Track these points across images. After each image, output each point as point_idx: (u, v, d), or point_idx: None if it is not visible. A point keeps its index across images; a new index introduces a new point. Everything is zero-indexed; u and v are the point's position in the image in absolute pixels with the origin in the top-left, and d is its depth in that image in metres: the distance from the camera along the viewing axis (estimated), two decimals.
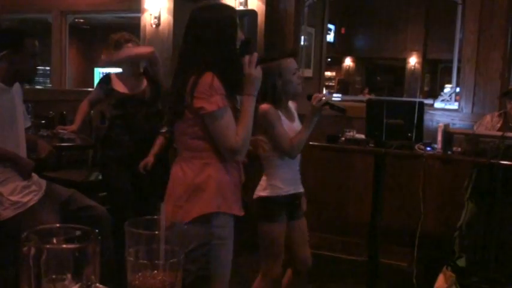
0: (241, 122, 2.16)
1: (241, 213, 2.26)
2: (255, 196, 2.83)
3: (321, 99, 2.72)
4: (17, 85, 2.93)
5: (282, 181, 2.81)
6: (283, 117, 2.79)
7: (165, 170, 2.59)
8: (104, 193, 4.03)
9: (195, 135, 2.13)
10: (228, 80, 2.11)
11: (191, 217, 2.09)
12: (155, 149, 3.61)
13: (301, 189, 2.94)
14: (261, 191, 2.82)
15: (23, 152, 2.91)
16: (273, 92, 2.75)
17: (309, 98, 2.77)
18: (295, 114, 2.94)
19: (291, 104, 2.93)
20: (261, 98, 2.74)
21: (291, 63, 2.82)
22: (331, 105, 2.79)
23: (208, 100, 2.04)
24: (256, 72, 2.20)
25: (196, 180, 2.12)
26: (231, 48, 2.16)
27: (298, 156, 2.89)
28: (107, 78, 3.90)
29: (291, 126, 2.82)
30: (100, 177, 4.38)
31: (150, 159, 3.56)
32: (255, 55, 2.22)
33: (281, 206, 2.81)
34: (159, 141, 3.62)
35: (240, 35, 2.20)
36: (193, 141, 2.14)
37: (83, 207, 2.99)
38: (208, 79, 2.05)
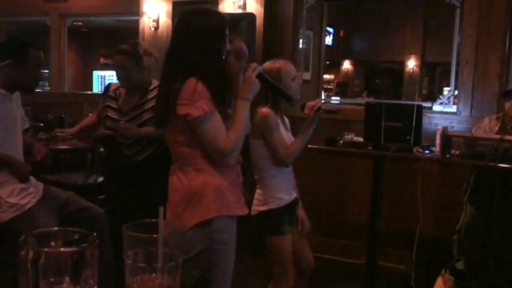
0: (233, 125, 2.13)
1: (245, 211, 2.26)
2: (254, 212, 2.78)
3: (313, 107, 2.70)
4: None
5: (281, 191, 2.80)
6: (280, 125, 2.78)
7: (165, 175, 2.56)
8: (103, 196, 4.02)
9: (185, 142, 2.12)
10: (213, 86, 2.08)
11: (191, 224, 2.08)
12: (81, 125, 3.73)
13: (296, 194, 2.94)
14: (261, 205, 2.78)
15: (20, 156, 2.91)
16: (272, 96, 2.73)
17: (302, 108, 2.76)
18: (289, 126, 2.94)
19: (285, 118, 2.93)
20: (260, 103, 2.75)
21: (291, 68, 2.82)
22: (324, 110, 2.78)
23: (194, 106, 2.02)
24: (256, 80, 2.19)
25: (191, 187, 2.11)
26: (216, 55, 2.14)
27: None
28: (106, 88, 3.88)
29: (286, 135, 2.81)
30: (99, 180, 4.38)
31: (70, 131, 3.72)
32: (258, 66, 2.23)
33: (284, 216, 2.80)
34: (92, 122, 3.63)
35: (228, 46, 2.18)
36: (183, 148, 2.13)
37: (81, 209, 2.99)
38: (192, 85, 2.03)
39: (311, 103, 2.73)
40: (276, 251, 2.77)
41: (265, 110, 2.71)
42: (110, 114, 3.43)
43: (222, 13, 2.31)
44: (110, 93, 3.51)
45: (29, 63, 2.87)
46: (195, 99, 2.02)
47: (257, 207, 2.79)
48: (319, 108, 2.71)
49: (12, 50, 2.89)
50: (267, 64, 2.83)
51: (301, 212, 3.00)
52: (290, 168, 2.88)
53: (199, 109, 2.03)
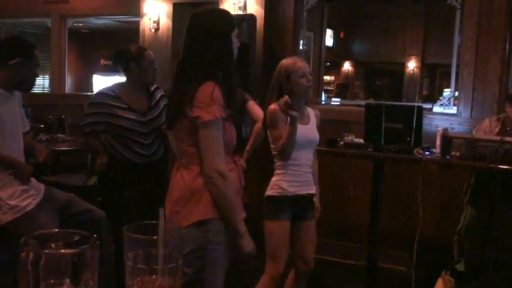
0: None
1: (243, 215, 2.27)
2: (265, 195, 2.93)
3: (281, 104, 2.74)
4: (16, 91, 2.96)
5: (288, 182, 2.88)
6: (283, 122, 2.81)
7: (164, 175, 2.58)
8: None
9: (192, 142, 2.13)
10: (224, 87, 2.11)
11: (188, 222, 2.08)
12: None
13: (312, 191, 2.98)
14: (268, 190, 2.92)
15: (21, 157, 2.91)
16: (280, 93, 2.83)
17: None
18: (312, 119, 2.99)
19: (310, 110, 3.00)
20: (272, 99, 2.87)
21: (299, 65, 2.89)
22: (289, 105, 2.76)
23: (207, 110, 2.04)
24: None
25: (193, 185, 2.12)
26: (229, 57, 2.16)
27: (310, 157, 2.94)
28: None
29: (302, 128, 2.84)
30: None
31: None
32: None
33: (284, 204, 2.88)
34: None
35: (236, 43, 2.21)
36: (190, 148, 2.14)
37: (82, 211, 2.98)
38: (209, 89, 2.05)
39: (280, 101, 2.76)
40: (269, 235, 2.87)
41: (272, 106, 2.83)
42: (122, 114, 3.38)
43: (230, 13, 2.34)
44: (105, 91, 3.46)
45: (33, 62, 2.91)
46: (210, 104, 2.04)
47: (266, 192, 2.93)
48: (286, 103, 2.70)
49: (22, 48, 2.91)
50: (281, 62, 2.96)
51: (316, 201, 3.08)
52: (305, 164, 2.92)
53: (211, 114, 2.04)
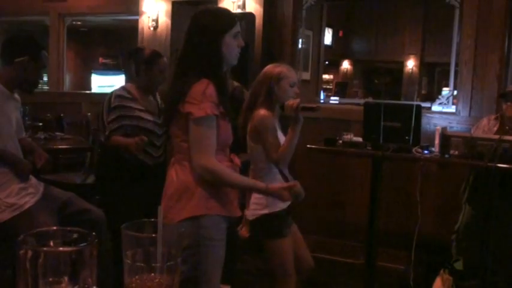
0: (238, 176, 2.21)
1: (237, 213, 2.27)
2: (253, 216, 2.77)
3: (292, 106, 2.67)
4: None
5: None
6: (277, 128, 2.79)
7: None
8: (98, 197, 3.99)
9: (185, 138, 2.14)
10: (221, 85, 2.12)
11: (181, 218, 2.09)
12: None
13: None
14: (262, 209, 2.76)
15: (20, 156, 2.91)
16: (269, 96, 2.75)
17: (282, 108, 2.74)
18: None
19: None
20: (257, 102, 2.77)
21: (291, 74, 2.82)
22: (304, 108, 2.72)
23: (199, 106, 2.05)
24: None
25: (186, 181, 2.13)
26: (217, 54, 2.16)
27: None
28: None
29: (282, 137, 2.80)
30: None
31: None
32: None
33: (285, 219, 2.80)
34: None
35: (240, 42, 2.21)
36: (183, 144, 2.15)
37: (81, 211, 2.98)
38: (203, 86, 2.06)
39: (289, 102, 2.69)
40: (278, 254, 2.76)
41: (263, 111, 2.73)
42: (142, 116, 3.38)
43: (231, 12, 2.34)
44: (121, 93, 3.44)
45: (39, 63, 2.90)
46: (201, 100, 2.05)
47: (257, 211, 2.77)
48: (298, 106, 2.67)
49: (30, 47, 2.90)
50: (270, 66, 2.85)
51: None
52: (286, 169, 2.86)
53: (202, 110, 2.05)
